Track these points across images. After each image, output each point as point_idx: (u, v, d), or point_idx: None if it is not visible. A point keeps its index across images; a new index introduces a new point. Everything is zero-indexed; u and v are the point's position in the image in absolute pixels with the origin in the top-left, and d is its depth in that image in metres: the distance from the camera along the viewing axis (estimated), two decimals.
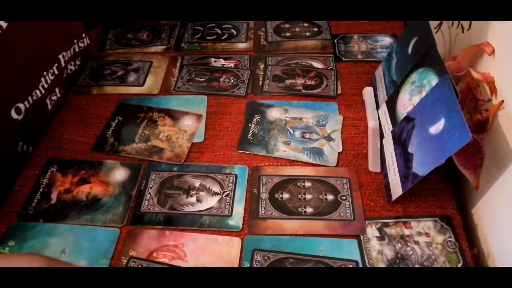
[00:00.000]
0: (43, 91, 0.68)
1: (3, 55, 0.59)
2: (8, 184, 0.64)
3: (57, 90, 0.73)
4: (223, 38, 0.89)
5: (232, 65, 0.83)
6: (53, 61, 0.71)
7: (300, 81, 0.79)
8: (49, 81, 0.69)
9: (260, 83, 0.79)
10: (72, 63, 0.77)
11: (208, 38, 0.89)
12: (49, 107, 0.71)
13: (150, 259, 0.55)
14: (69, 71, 0.77)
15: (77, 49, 0.77)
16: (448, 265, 0.54)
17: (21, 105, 0.63)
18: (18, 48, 0.62)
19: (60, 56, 0.72)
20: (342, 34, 0.89)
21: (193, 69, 0.82)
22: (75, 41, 0.76)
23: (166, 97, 0.77)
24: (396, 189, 0.59)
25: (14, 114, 0.62)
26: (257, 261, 0.55)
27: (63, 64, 0.73)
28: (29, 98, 0.65)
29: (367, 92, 0.75)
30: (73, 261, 0.55)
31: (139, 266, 0.54)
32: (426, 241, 0.56)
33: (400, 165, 0.60)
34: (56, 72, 0.71)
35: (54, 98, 0.72)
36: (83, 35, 0.78)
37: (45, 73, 0.68)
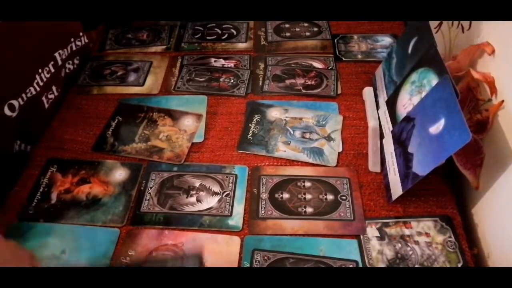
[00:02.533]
0: (38, 89, 0.68)
1: None
2: (8, 184, 0.64)
3: (54, 88, 0.72)
4: (223, 38, 0.89)
5: (232, 65, 0.83)
6: (48, 59, 0.71)
7: (300, 81, 0.79)
8: (44, 79, 0.69)
9: (260, 83, 0.79)
10: (70, 62, 0.77)
11: (208, 38, 0.89)
12: (46, 105, 0.71)
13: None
14: (67, 70, 0.77)
15: (74, 48, 0.77)
16: (448, 265, 0.54)
17: (14, 102, 0.63)
18: (10, 45, 0.62)
19: (56, 54, 0.72)
20: (342, 34, 0.89)
21: (193, 69, 0.82)
22: (72, 39, 0.76)
23: (166, 97, 0.77)
24: (396, 189, 0.59)
25: (7, 111, 0.62)
26: (257, 261, 0.55)
27: (60, 63, 0.73)
28: (23, 95, 0.65)
29: (367, 92, 0.75)
30: (73, 261, 0.55)
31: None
32: (426, 241, 0.56)
33: (400, 165, 0.60)
34: (53, 70, 0.71)
35: (51, 96, 0.72)
36: (81, 34, 0.78)
37: (40, 70, 0.68)
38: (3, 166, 0.63)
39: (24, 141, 0.67)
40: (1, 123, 0.62)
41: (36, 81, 0.67)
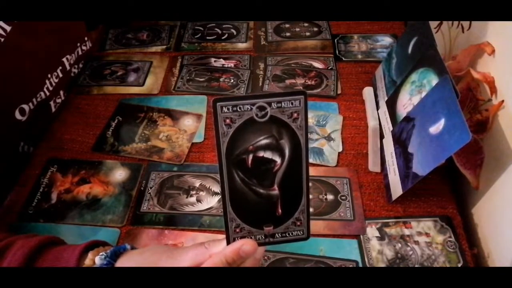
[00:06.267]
0: (47, 93, 0.68)
1: (8, 57, 0.60)
2: (8, 184, 0.64)
3: (61, 93, 0.73)
4: (223, 38, 0.89)
5: (232, 65, 0.83)
6: (57, 64, 0.71)
7: (300, 81, 0.79)
8: (53, 84, 0.69)
9: (260, 83, 0.79)
10: (76, 66, 0.78)
11: (208, 38, 0.89)
12: (53, 109, 0.71)
13: None
14: (72, 74, 0.77)
15: (80, 52, 0.77)
16: (448, 265, 0.54)
17: (25, 106, 0.63)
18: (22, 51, 0.62)
19: (64, 59, 0.73)
20: (342, 34, 0.89)
21: (193, 69, 0.82)
22: (79, 44, 0.77)
23: (166, 97, 0.77)
24: (396, 189, 0.59)
25: (18, 115, 0.62)
26: None
27: (67, 68, 0.74)
28: (34, 99, 0.65)
29: (367, 92, 0.75)
30: None
31: None
32: (426, 241, 0.56)
33: (400, 165, 0.60)
34: (61, 75, 0.72)
35: (58, 100, 0.72)
36: (86, 38, 0.79)
37: (49, 75, 0.69)
38: (6, 167, 0.64)
39: (28, 143, 0.68)
40: (11, 127, 0.62)
41: (46, 86, 0.68)
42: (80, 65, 0.80)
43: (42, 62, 0.67)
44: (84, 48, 0.78)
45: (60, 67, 0.72)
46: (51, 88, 0.69)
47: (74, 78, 0.79)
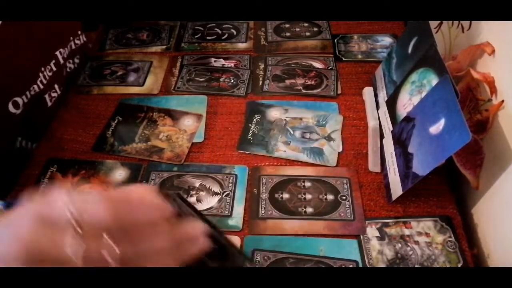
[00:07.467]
0: (41, 87, 0.69)
1: (0, 50, 0.60)
2: (8, 181, 0.64)
3: (56, 87, 0.73)
4: (223, 38, 0.89)
5: (232, 65, 0.83)
6: (50, 57, 0.72)
7: (300, 81, 0.79)
8: (47, 77, 0.70)
9: (260, 83, 0.79)
10: (71, 61, 0.78)
11: (208, 38, 0.89)
12: (49, 103, 0.72)
13: None
14: (68, 69, 0.77)
15: (73, 46, 0.78)
16: (448, 265, 0.54)
17: (19, 99, 0.64)
18: (14, 44, 0.63)
19: (58, 53, 0.73)
20: (342, 34, 0.89)
21: (193, 69, 0.82)
22: (71, 38, 0.77)
23: (166, 97, 0.77)
24: (396, 189, 0.59)
25: (12, 108, 0.63)
26: (257, 261, 0.55)
27: (61, 61, 0.74)
28: (27, 92, 0.66)
29: (367, 92, 0.75)
30: None
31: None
32: (426, 241, 0.56)
33: (400, 165, 0.60)
34: (55, 68, 0.72)
35: (54, 95, 0.73)
36: (79, 32, 0.79)
37: (42, 68, 0.69)
38: (5, 163, 0.64)
39: (26, 139, 0.68)
40: (5, 120, 0.63)
41: (39, 79, 0.68)
42: (76, 60, 0.80)
43: (34, 55, 0.67)
44: (77, 42, 0.78)
45: (54, 61, 0.72)
46: (45, 82, 0.69)
47: (71, 74, 0.79)
